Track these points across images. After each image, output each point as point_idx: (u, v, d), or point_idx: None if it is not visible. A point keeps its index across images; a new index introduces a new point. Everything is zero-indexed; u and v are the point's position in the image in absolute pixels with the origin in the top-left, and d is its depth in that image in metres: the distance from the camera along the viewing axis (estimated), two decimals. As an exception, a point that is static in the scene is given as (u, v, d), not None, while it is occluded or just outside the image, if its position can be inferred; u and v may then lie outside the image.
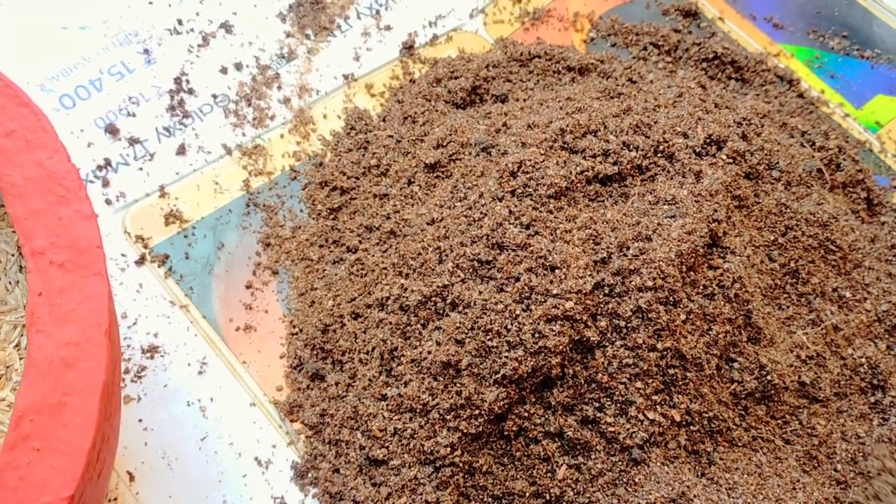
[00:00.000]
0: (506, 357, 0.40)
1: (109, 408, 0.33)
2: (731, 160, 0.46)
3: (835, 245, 0.48)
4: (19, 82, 0.36)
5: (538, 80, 0.57)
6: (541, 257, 0.41)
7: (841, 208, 0.50)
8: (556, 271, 0.41)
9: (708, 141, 0.46)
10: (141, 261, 0.50)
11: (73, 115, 0.54)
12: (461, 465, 0.41)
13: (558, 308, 0.40)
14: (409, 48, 0.59)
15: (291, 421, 0.46)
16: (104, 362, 0.31)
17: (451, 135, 0.51)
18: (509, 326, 0.40)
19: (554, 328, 0.40)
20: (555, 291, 0.40)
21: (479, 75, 0.56)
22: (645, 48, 0.60)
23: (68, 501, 0.29)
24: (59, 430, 0.30)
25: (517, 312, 0.40)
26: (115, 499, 0.44)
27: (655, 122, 0.47)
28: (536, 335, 0.40)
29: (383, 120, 0.55)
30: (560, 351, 0.40)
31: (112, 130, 0.54)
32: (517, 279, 0.41)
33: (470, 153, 0.49)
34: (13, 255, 0.37)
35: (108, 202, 0.52)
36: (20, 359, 0.35)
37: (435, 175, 0.50)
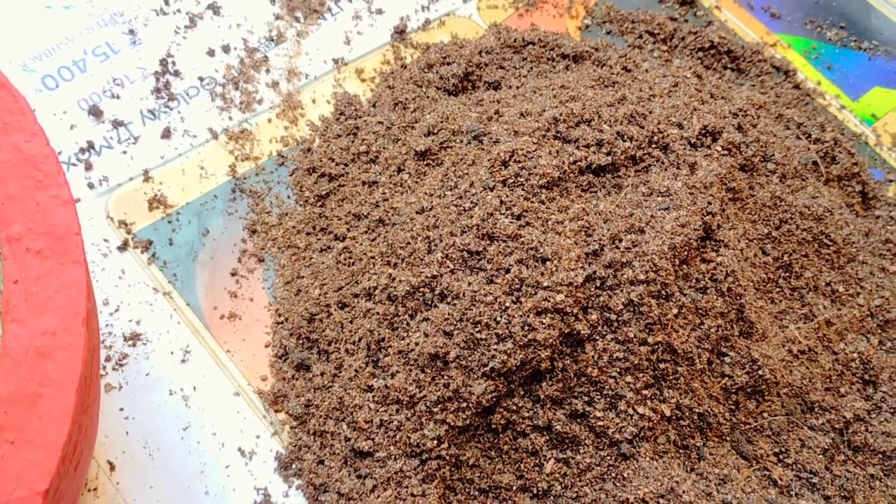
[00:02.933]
0: (494, 350, 0.39)
1: (87, 398, 0.32)
2: (726, 152, 0.45)
3: (829, 239, 0.48)
4: (0, 62, 0.35)
5: (532, 68, 0.56)
6: (531, 249, 0.40)
7: (836, 202, 0.49)
8: (547, 263, 0.40)
9: (703, 132, 0.46)
10: (124, 246, 0.49)
11: (56, 96, 0.53)
12: (448, 457, 0.41)
13: (549, 301, 0.39)
14: (400, 33, 0.58)
15: (276, 411, 0.46)
16: (81, 352, 0.30)
17: (442, 122, 0.50)
18: (498, 319, 0.39)
19: (544, 321, 0.39)
20: (545, 284, 0.39)
21: (472, 61, 0.55)
22: (640, 36, 0.59)
23: (43, 496, 0.28)
24: (35, 421, 0.29)
25: (507, 304, 0.39)
26: (95, 489, 0.43)
27: (650, 113, 0.46)
28: (526, 328, 0.39)
29: (373, 106, 0.54)
30: (550, 344, 0.39)
31: (96, 113, 0.52)
32: (507, 271, 0.40)
33: (461, 141, 0.48)
34: (-10, 241, 0.36)
35: (91, 186, 0.50)
36: (-4, 347, 0.34)
37: (425, 163, 0.49)
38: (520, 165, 0.43)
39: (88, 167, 0.51)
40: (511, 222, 0.41)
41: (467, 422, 0.40)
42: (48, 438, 0.29)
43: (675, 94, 0.48)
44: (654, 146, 0.45)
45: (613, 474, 0.41)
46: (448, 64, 0.55)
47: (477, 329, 0.39)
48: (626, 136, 0.45)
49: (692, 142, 0.45)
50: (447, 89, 0.54)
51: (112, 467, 0.44)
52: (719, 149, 0.45)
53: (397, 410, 0.41)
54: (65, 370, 0.30)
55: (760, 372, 0.43)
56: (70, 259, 0.32)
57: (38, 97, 0.53)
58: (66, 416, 0.29)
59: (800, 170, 0.49)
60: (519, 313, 0.39)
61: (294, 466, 0.44)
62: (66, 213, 0.32)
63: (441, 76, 0.54)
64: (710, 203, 0.43)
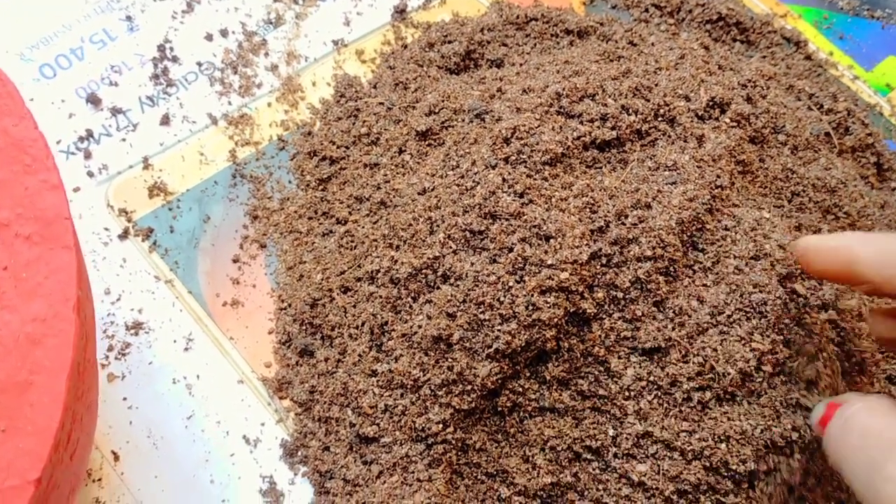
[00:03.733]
0: (498, 330, 0.38)
1: (81, 386, 0.32)
2: (734, 124, 0.44)
3: (843, 212, 0.46)
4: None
5: (535, 44, 0.55)
6: (535, 226, 0.39)
7: (850, 173, 0.48)
8: (551, 241, 0.39)
9: (711, 104, 0.44)
10: (124, 235, 0.48)
11: (54, 84, 0.52)
12: (454, 442, 0.40)
13: (553, 279, 0.38)
14: (401, 12, 0.57)
15: (280, 398, 0.45)
16: (73, 338, 0.30)
17: (443, 101, 0.49)
18: (502, 299, 0.38)
19: (548, 300, 0.38)
20: (549, 262, 0.38)
21: (474, 39, 0.54)
22: (646, 10, 0.58)
23: (35, 484, 0.28)
24: (25, 409, 0.28)
25: (510, 284, 0.38)
26: (100, 479, 0.43)
27: (656, 85, 0.45)
28: (530, 307, 0.38)
29: (374, 87, 0.54)
30: (555, 323, 0.38)
31: (94, 100, 0.52)
32: (510, 249, 0.39)
33: (463, 120, 0.47)
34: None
35: (91, 174, 0.50)
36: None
37: (427, 143, 0.48)
38: (522, 142, 0.42)
39: (88, 155, 0.50)
40: (513, 200, 0.40)
41: (473, 405, 0.39)
42: (39, 426, 0.28)
43: (681, 67, 0.47)
44: (660, 119, 0.44)
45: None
46: (450, 42, 0.54)
47: (480, 310, 0.39)
48: (631, 110, 0.44)
49: (699, 114, 0.44)
50: (449, 68, 0.53)
51: (116, 457, 0.43)
52: (728, 121, 0.44)
53: (402, 395, 0.41)
54: (56, 357, 0.29)
55: None
56: (60, 244, 0.31)
57: (36, 86, 0.52)
58: (58, 404, 0.29)
59: (812, 141, 0.48)
60: (523, 293, 0.38)
61: (299, 453, 0.43)
62: (55, 198, 0.32)
63: (443, 55, 0.53)
64: (718, 176, 0.42)
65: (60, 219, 0.31)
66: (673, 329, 0.38)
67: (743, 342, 0.37)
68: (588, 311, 0.39)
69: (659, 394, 0.39)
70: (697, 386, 0.38)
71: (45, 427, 0.28)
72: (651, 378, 0.39)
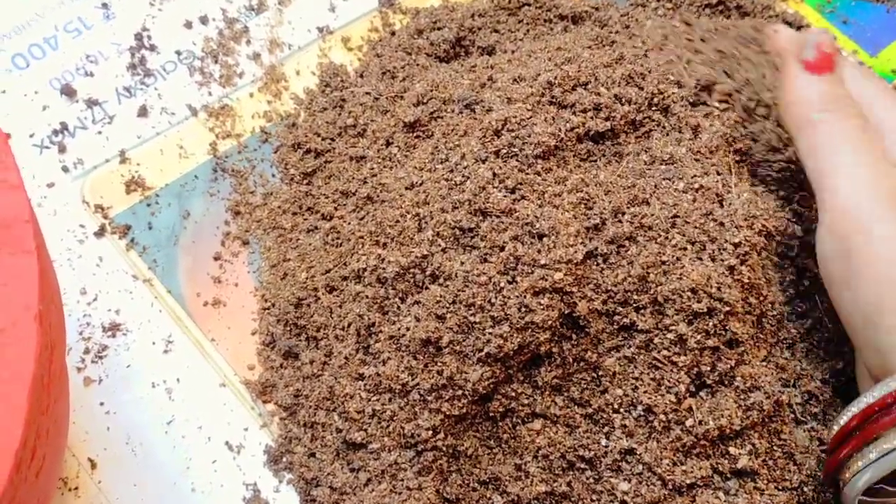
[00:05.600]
0: (490, 333, 0.36)
1: (46, 399, 0.30)
2: (725, 105, 0.42)
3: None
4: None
5: (528, 31, 0.53)
6: (527, 224, 0.37)
7: None
8: (545, 239, 0.37)
9: (699, 87, 0.43)
10: (100, 232, 0.46)
11: (27, 75, 0.50)
12: (444, 448, 0.38)
13: (547, 279, 0.36)
14: (388, -2, 0.55)
15: (264, 402, 0.43)
16: (34, 350, 0.28)
17: (432, 90, 0.47)
18: (493, 300, 0.37)
19: (542, 301, 0.36)
20: (543, 262, 0.36)
21: (464, 25, 0.52)
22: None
23: (-6, 507, 0.26)
24: (-17, 427, 0.27)
25: (502, 285, 0.37)
26: (76, 487, 0.41)
27: (649, 72, 0.43)
28: (523, 309, 0.36)
29: (361, 76, 0.51)
30: (549, 326, 0.37)
31: (68, 92, 0.50)
32: (502, 248, 0.37)
33: (452, 110, 0.45)
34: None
35: (65, 169, 0.48)
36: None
37: (415, 135, 0.46)
38: (513, 134, 0.40)
39: (62, 149, 0.48)
40: (505, 196, 0.38)
41: (463, 410, 0.38)
42: (-1, 445, 0.27)
43: (666, 47, 0.45)
44: (654, 108, 0.42)
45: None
46: (439, 29, 0.52)
47: (471, 312, 0.37)
48: (624, 100, 0.42)
49: (691, 100, 0.42)
50: (438, 56, 0.51)
51: (93, 465, 0.41)
52: (717, 103, 0.42)
53: (390, 399, 0.39)
54: (14, 371, 0.27)
55: None
56: (20, 248, 0.29)
57: (8, 77, 0.50)
58: (19, 421, 0.27)
59: None
60: (515, 294, 0.36)
61: (284, 460, 0.42)
62: (14, 199, 0.30)
63: (432, 42, 0.51)
64: (718, 172, 0.40)
65: (20, 221, 0.29)
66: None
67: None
68: (583, 314, 0.37)
69: (642, 412, 0.37)
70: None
71: (5, 446, 0.27)
72: (636, 395, 0.37)
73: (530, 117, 0.40)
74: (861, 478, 0.33)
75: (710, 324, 0.37)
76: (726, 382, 0.37)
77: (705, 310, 0.37)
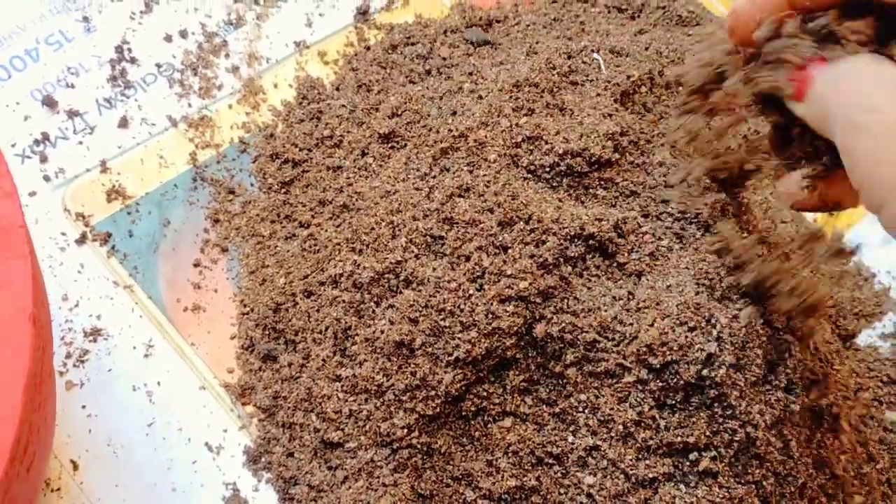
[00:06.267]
0: (458, 338, 0.38)
1: (38, 397, 0.31)
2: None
3: None
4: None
5: (497, 46, 0.55)
6: (491, 235, 0.39)
7: None
8: (509, 251, 0.39)
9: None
10: (82, 240, 0.48)
11: (9, 87, 0.51)
12: (419, 446, 0.40)
13: (512, 288, 0.38)
14: (363, 13, 0.57)
15: (243, 404, 0.45)
16: (29, 350, 0.29)
17: (406, 103, 0.49)
18: (462, 306, 0.38)
19: (508, 309, 0.38)
20: (509, 272, 0.38)
21: (437, 41, 0.54)
22: (609, 11, 0.58)
23: (-10, 500, 0.27)
24: (-21, 423, 0.28)
25: (470, 292, 0.38)
26: (59, 489, 0.42)
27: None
28: (490, 316, 0.38)
29: (337, 89, 0.53)
30: (515, 332, 0.38)
31: (50, 103, 0.51)
32: (468, 258, 0.39)
33: (424, 125, 0.47)
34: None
35: (47, 178, 0.49)
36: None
37: (389, 146, 0.48)
38: (480, 144, 0.42)
39: (44, 159, 0.49)
40: (470, 206, 0.40)
41: (437, 410, 0.39)
42: (-5, 440, 0.28)
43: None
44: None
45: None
46: (412, 44, 0.54)
47: (441, 316, 0.39)
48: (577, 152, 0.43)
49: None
50: (413, 69, 0.53)
51: (75, 466, 0.42)
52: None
53: (366, 400, 0.40)
54: (11, 369, 0.29)
55: None
56: (15, 253, 0.30)
57: (-10, 88, 0.51)
58: (14, 417, 0.28)
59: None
60: (483, 301, 0.38)
61: (263, 460, 0.43)
62: (8, 206, 0.31)
63: (405, 56, 0.53)
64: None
65: (14, 227, 0.31)
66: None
67: None
68: (539, 335, 0.39)
69: (604, 416, 0.39)
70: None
71: (1, 441, 0.28)
72: (597, 402, 0.39)
73: (493, 128, 0.42)
74: None
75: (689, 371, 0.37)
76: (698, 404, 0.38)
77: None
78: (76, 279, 0.47)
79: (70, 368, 0.45)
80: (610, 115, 0.44)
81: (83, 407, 0.44)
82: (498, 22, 0.55)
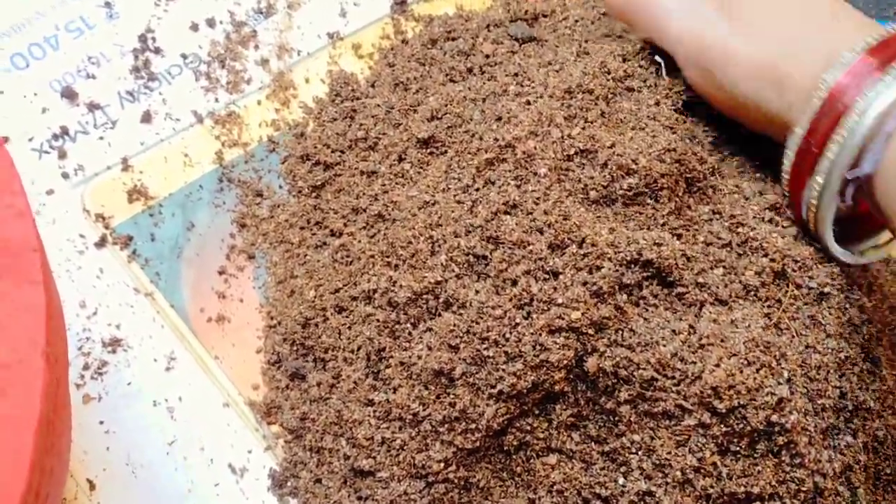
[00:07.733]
0: (503, 370, 0.35)
1: (51, 436, 0.29)
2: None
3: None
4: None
5: (542, 44, 0.51)
6: (540, 259, 0.36)
7: None
8: (560, 277, 0.36)
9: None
10: (101, 243, 0.45)
11: (26, 76, 0.49)
12: (456, 480, 0.37)
13: (563, 318, 0.35)
14: (401, 3, 0.54)
15: (269, 424, 0.42)
16: (40, 388, 0.27)
17: (446, 105, 0.46)
18: (508, 335, 0.35)
19: (558, 341, 0.35)
20: (559, 300, 0.35)
21: (479, 36, 0.50)
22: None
23: (-2, 556, 0.25)
24: (-13, 471, 0.25)
25: (517, 320, 0.35)
26: (74, 509, 0.40)
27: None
28: (538, 347, 0.35)
29: (372, 86, 0.50)
30: (564, 366, 0.35)
31: (69, 94, 0.48)
32: (514, 283, 0.36)
33: (466, 129, 0.44)
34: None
35: (65, 176, 0.46)
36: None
37: (428, 151, 0.45)
38: (528, 156, 0.38)
39: (62, 155, 0.47)
40: (517, 226, 0.37)
41: (477, 444, 0.37)
42: (3, 490, 0.25)
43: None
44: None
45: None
46: (453, 39, 0.50)
47: (484, 345, 0.36)
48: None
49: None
50: (453, 67, 0.50)
51: (92, 486, 0.40)
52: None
53: (400, 428, 0.38)
54: (20, 411, 0.26)
55: None
56: (26, 279, 0.28)
57: (7, 77, 0.48)
58: (24, 464, 0.26)
59: None
60: (530, 331, 0.35)
61: (289, 485, 0.41)
62: (21, 227, 0.28)
63: (445, 52, 0.50)
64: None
65: (27, 250, 0.28)
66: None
67: None
68: (591, 370, 0.36)
69: (660, 460, 0.36)
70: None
71: (10, 491, 0.25)
72: (653, 444, 0.36)
73: (544, 139, 0.39)
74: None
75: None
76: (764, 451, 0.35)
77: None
78: (95, 285, 0.44)
79: (88, 381, 0.42)
80: (671, 128, 0.40)
81: (101, 422, 0.42)
82: (544, 16, 0.52)
